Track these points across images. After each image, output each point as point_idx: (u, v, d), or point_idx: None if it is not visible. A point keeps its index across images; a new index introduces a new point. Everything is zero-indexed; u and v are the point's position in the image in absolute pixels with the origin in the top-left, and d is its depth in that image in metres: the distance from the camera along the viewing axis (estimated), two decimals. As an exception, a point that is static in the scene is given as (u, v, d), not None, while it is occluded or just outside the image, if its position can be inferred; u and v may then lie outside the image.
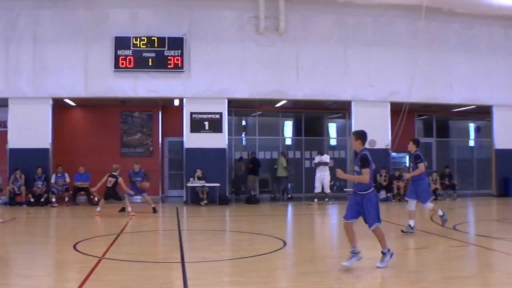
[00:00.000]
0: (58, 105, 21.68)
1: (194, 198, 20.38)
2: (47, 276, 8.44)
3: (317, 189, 20.83)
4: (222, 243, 12.04)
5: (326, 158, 21.07)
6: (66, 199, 20.44)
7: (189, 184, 20.33)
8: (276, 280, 8.05)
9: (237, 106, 23.16)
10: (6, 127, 20.99)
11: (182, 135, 21.05)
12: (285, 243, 11.07)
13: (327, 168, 20.84)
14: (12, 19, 20.53)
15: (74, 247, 10.51)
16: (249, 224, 15.73)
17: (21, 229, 13.89)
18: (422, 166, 12.10)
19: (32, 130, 20.34)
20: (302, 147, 25.03)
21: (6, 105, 20.71)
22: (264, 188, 22.94)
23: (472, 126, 28.26)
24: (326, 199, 20.76)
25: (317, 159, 21.15)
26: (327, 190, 20.81)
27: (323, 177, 20.74)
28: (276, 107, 24.00)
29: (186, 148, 20.87)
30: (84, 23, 20.56)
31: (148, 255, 9.67)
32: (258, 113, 24.98)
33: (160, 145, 23.58)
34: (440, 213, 12.63)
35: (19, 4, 20.55)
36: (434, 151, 26.79)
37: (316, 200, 20.68)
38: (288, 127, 26.14)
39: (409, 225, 12.15)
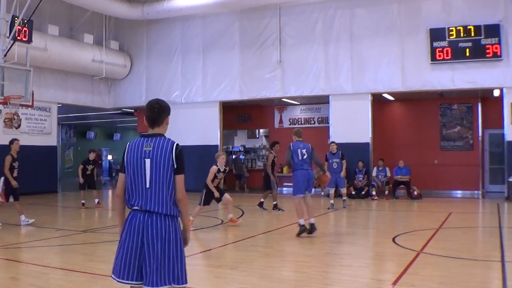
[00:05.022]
0: (377, 100, 22.23)
1: (517, 194, 19.24)
2: (366, 267, 8.81)
3: None
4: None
5: None
6: (386, 192, 20.84)
7: (510, 179, 19.21)
8: None
9: None
10: (328, 122, 22.30)
11: (503, 127, 19.98)
12: None
13: None
14: (328, 20, 21.77)
15: (393, 240, 10.73)
16: None
17: (343, 220, 14.57)
18: None
19: (352, 125, 21.22)
20: None
21: (328, 102, 21.98)
22: None
23: None
24: None
25: None
26: None
27: None
28: None
29: (507, 141, 19.72)
30: (397, 17, 20.77)
31: (467, 252, 9.44)
32: None
33: (480, 138, 22.66)
34: None
35: (334, 4, 21.68)
36: None
37: None
38: None
39: None
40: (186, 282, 4.56)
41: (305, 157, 11.47)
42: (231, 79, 23.51)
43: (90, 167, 18.11)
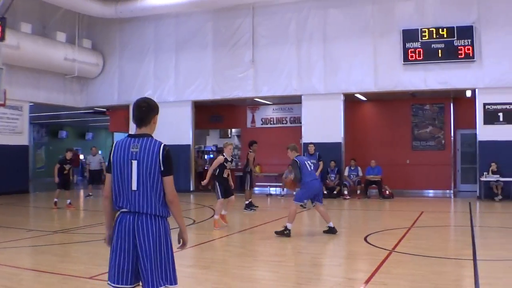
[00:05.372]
0: (349, 100, 22.33)
1: (488, 193, 19.41)
2: (338, 266, 8.87)
3: None
4: (518, 242, 11.36)
5: None
6: (358, 191, 20.96)
7: (482, 179, 19.45)
8: None
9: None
10: (300, 122, 22.39)
11: (475, 127, 20.18)
12: None
13: None
14: (301, 20, 21.85)
15: (365, 239, 10.79)
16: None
17: (315, 220, 14.57)
18: None
19: (325, 125, 21.32)
20: None
21: (300, 102, 22.06)
22: None
23: None
24: None
25: None
26: None
27: None
28: None
29: (479, 140, 19.96)
30: (371, 18, 20.90)
31: (438, 251, 9.52)
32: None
33: (452, 138, 22.91)
34: None
35: (308, 5, 21.77)
36: None
37: None
38: None
39: None
40: (176, 283, 4.51)
41: (312, 168, 11.60)
42: (204, 79, 23.45)
43: (67, 166, 17.82)
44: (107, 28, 25.51)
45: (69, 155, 17.99)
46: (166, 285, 4.40)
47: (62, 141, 39.30)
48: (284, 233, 11.07)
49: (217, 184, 12.66)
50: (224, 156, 12.80)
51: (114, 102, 25.33)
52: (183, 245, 4.67)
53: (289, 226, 11.14)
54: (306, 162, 11.53)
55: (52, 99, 25.09)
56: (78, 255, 9.58)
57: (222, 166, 12.69)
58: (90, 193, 21.84)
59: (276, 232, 11.12)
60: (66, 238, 11.59)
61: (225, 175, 12.76)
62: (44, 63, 23.19)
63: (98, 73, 25.78)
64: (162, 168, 4.39)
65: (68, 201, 17.74)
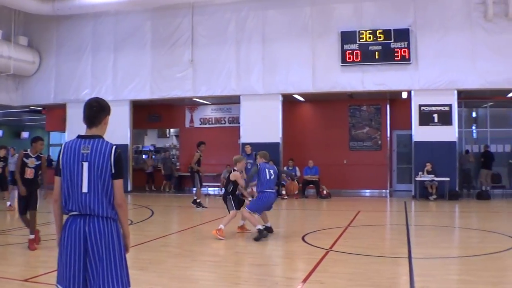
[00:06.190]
0: (288, 101, 22.43)
1: (423, 192, 19.83)
2: (276, 265, 8.86)
3: None
4: (451, 240, 11.56)
5: None
6: (296, 191, 21.03)
7: (417, 178, 19.83)
8: (507, 281, 7.51)
9: (467, 97, 22.05)
10: (239, 122, 22.36)
11: (410, 128, 20.58)
12: (519, 242, 10.30)
13: None
14: (241, 20, 21.82)
15: (303, 238, 10.83)
16: (479, 220, 14.97)
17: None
18: None
19: (263, 125, 21.34)
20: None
21: (238, 102, 22.03)
22: (496, 183, 21.58)
23: None
24: None
25: None
26: None
27: None
28: (509, 97, 22.24)
29: (414, 141, 20.34)
30: (310, 20, 21.04)
31: (375, 249, 9.61)
32: (490, 104, 23.34)
33: (388, 139, 23.31)
34: None
35: (247, 5, 21.74)
36: None
37: None
38: (523, 119, 24.17)
39: None
40: (129, 285, 4.38)
41: (272, 177, 11.38)
42: (142, 78, 23.11)
43: (0, 164, 16.70)
44: (44, 25, 24.82)
45: (2, 153, 16.96)
46: None
47: (-4, 140, 38.18)
48: (263, 234, 10.75)
49: (230, 197, 11.74)
50: (240, 173, 12.12)
51: (50, 101, 24.69)
52: (125, 251, 4.49)
53: (259, 227, 10.84)
54: (266, 170, 11.33)
55: (-14, 97, 24.28)
56: (13, 257, 9.26)
57: (235, 183, 11.82)
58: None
59: (256, 239, 10.68)
60: (0, 240, 11.21)
61: (237, 192, 11.98)
62: (-21, 60, 22.38)
63: (34, 71, 25.03)
64: (113, 171, 4.25)
65: (8, 203, 16.85)
